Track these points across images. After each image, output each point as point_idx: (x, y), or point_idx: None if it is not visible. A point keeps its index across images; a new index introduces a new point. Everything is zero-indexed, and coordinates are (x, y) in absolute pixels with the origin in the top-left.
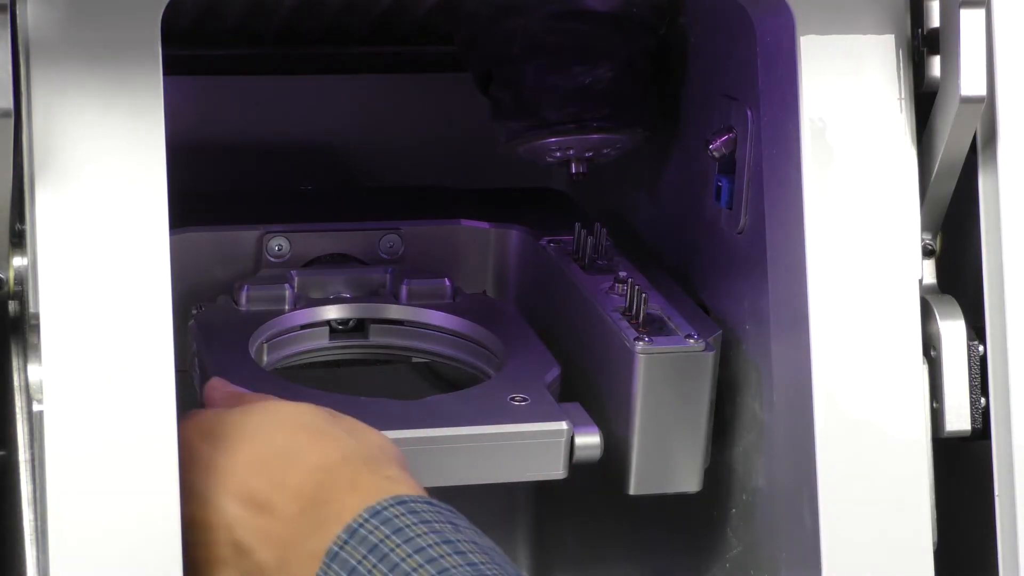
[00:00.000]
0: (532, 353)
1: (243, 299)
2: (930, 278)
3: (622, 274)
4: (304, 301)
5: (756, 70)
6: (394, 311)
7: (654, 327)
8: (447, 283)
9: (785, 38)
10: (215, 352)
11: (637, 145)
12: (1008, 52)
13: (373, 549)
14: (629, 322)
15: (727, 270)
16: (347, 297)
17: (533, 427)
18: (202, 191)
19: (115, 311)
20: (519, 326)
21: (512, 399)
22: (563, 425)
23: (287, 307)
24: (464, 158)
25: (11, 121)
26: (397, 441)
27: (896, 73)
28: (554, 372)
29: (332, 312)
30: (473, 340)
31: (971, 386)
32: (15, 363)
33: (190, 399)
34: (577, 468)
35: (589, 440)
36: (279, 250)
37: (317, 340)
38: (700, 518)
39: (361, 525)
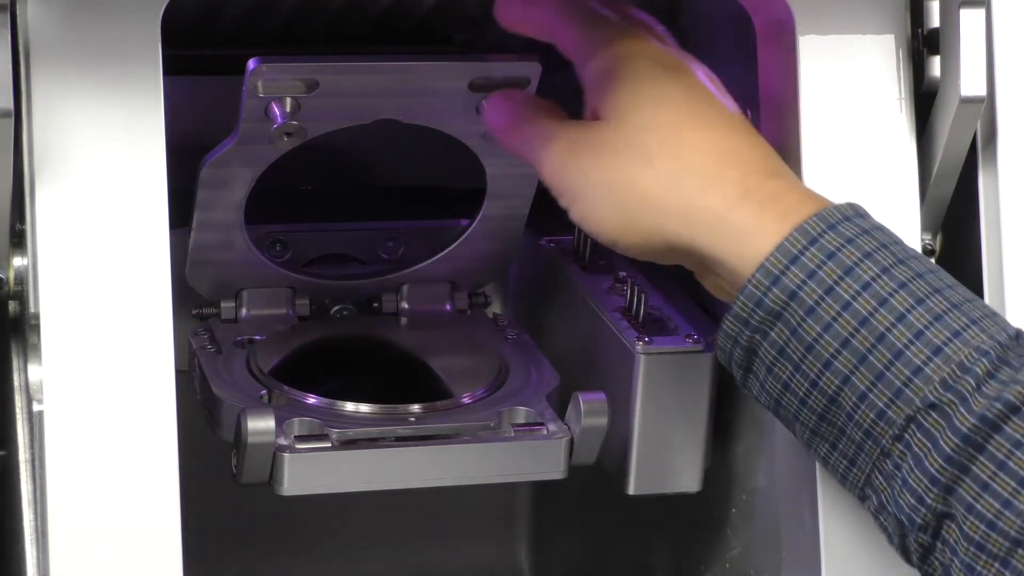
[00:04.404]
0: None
1: (243, 300)
2: None
3: (622, 274)
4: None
5: (756, 70)
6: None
7: (654, 327)
8: (447, 284)
9: (785, 38)
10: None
11: None
12: (1008, 52)
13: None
14: (629, 322)
15: None
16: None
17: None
18: None
19: (115, 311)
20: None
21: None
22: (563, 425)
23: (287, 308)
24: (464, 158)
25: (11, 121)
26: (395, 440)
27: (896, 73)
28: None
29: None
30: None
31: None
32: (15, 363)
33: (190, 399)
34: (577, 468)
35: (596, 405)
36: (279, 250)
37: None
38: (700, 518)
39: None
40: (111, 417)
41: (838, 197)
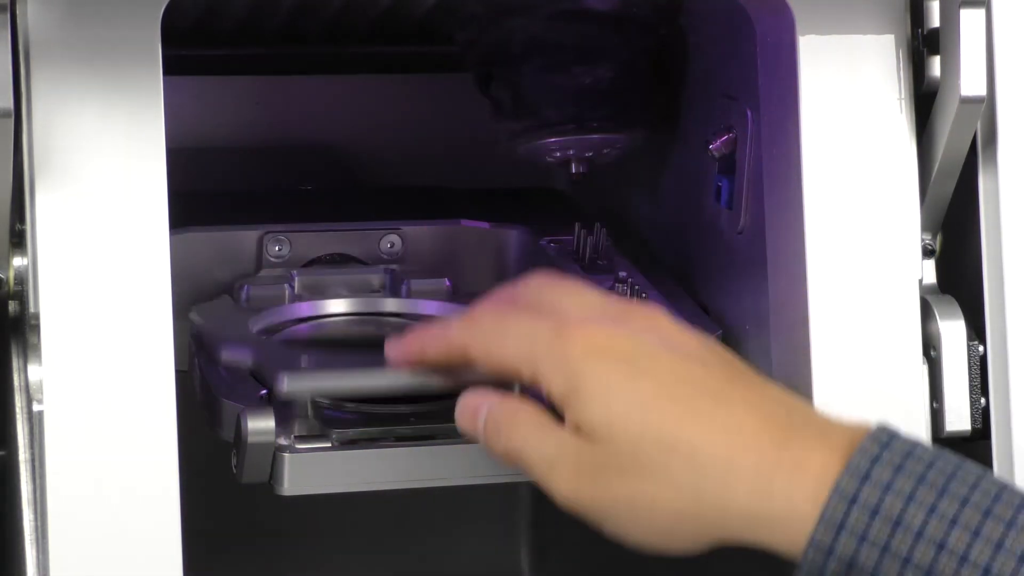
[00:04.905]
0: None
1: (243, 299)
2: (930, 278)
3: (622, 274)
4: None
5: (756, 70)
6: (391, 304)
7: None
8: (447, 283)
9: (785, 38)
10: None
11: (637, 145)
12: (1008, 52)
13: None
14: None
15: (727, 270)
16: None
17: None
18: (202, 191)
19: (115, 311)
20: None
21: None
22: None
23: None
24: (464, 158)
25: (11, 121)
26: (395, 440)
27: (896, 73)
28: None
29: (332, 306)
30: None
31: (971, 386)
32: (15, 363)
33: (190, 399)
34: None
35: None
36: (279, 250)
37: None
38: None
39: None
40: (111, 417)
41: (838, 197)
